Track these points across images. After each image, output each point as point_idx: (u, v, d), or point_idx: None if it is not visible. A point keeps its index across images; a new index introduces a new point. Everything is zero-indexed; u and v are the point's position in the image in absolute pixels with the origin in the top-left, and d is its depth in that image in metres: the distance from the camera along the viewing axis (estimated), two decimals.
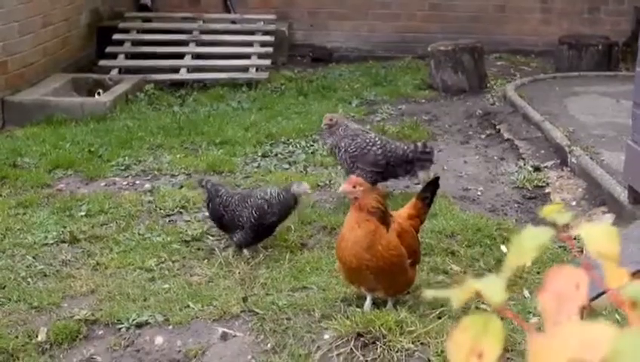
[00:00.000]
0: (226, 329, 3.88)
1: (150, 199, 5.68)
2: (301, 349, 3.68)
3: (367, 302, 3.99)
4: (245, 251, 4.74)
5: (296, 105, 8.41)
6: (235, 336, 3.84)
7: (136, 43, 9.87)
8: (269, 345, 3.74)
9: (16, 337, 3.85)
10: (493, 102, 8.54)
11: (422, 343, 3.60)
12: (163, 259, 4.69)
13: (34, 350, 3.79)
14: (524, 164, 6.46)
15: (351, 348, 3.61)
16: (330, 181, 6.00)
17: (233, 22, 10.58)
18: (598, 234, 0.93)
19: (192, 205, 5.52)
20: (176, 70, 9.40)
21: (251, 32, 10.22)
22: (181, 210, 5.48)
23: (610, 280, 0.91)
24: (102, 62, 9.44)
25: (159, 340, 3.84)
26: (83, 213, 5.41)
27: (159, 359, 3.75)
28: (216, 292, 4.23)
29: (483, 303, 3.64)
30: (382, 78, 9.63)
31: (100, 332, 3.93)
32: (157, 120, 7.75)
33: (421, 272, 4.30)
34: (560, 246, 4.68)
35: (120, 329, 3.92)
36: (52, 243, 4.93)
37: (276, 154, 6.77)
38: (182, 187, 5.95)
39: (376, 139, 5.70)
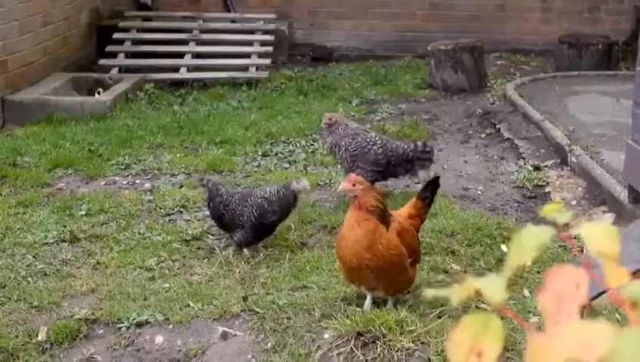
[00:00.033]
0: (226, 329, 3.88)
1: (150, 198, 5.68)
2: (301, 348, 3.68)
3: (367, 302, 3.99)
4: (245, 250, 4.74)
5: (296, 105, 8.41)
6: (235, 335, 3.84)
7: (136, 42, 9.87)
8: (269, 345, 3.74)
9: (17, 336, 3.85)
10: (493, 102, 8.54)
11: (422, 342, 3.60)
12: (163, 259, 4.69)
13: (34, 349, 3.79)
14: (524, 164, 6.46)
15: (351, 348, 3.61)
16: (330, 180, 6.00)
17: (233, 21, 10.58)
18: (599, 233, 0.93)
19: (192, 204, 5.52)
20: (176, 69, 9.40)
21: (251, 32, 10.22)
22: (181, 209, 5.48)
23: (610, 280, 0.91)
24: (102, 62, 9.44)
25: (159, 339, 3.84)
26: (83, 212, 5.41)
27: (159, 358, 3.75)
28: (216, 291, 4.23)
29: (483, 302, 3.64)
30: (382, 78, 9.63)
31: (100, 332, 3.93)
32: (157, 119, 7.75)
33: (421, 271, 4.30)
34: (560, 246, 4.68)
35: (120, 328, 3.92)
36: (52, 243, 4.93)
37: (276, 154, 6.77)
38: (182, 186, 5.95)
39: (377, 138, 5.70)
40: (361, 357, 3.57)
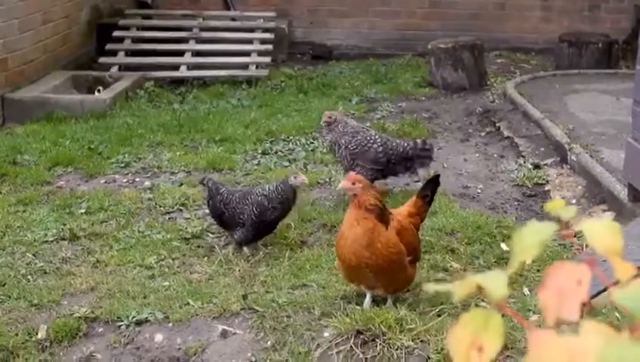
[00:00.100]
0: (225, 327, 3.88)
1: (150, 196, 5.68)
2: (301, 347, 3.68)
3: (367, 300, 3.99)
4: (245, 249, 4.74)
5: (296, 103, 8.41)
6: (234, 334, 3.84)
7: (136, 40, 9.87)
8: (268, 343, 3.74)
9: (16, 334, 3.85)
10: (493, 100, 8.54)
11: (422, 341, 3.60)
12: (163, 257, 4.69)
13: (34, 347, 3.79)
14: (524, 162, 6.46)
15: (351, 346, 3.61)
16: (330, 178, 6.00)
17: (233, 19, 10.58)
18: (601, 229, 0.93)
19: (191, 202, 5.52)
20: (176, 67, 9.39)
21: (251, 30, 10.22)
22: (181, 208, 5.48)
23: (618, 274, 0.91)
24: (102, 60, 9.44)
25: (159, 337, 3.84)
26: (83, 211, 5.41)
27: (159, 356, 3.75)
28: (216, 289, 4.23)
29: (483, 301, 3.64)
30: (382, 76, 9.63)
31: (100, 330, 3.93)
32: (157, 117, 7.75)
33: (421, 270, 4.30)
34: (560, 244, 4.68)
35: (120, 326, 3.92)
36: (52, 241, 4.93)
37: (276, 152, 6.77)
38: (182, 184, 5.95)
39: (377, 136, 5.70)
40: (361, 356, 3.57)
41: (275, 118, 7.74)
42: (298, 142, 6.97)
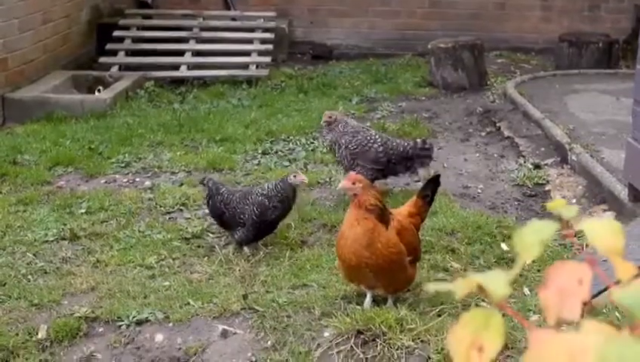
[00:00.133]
0: (226, 327, 3.88)
1: (150, 196, 5.68)
2: (301, 347, 3.68)
3: (367, 300, 3.99)
4: (245, 248, 4.74)
5: (296, 103, 8.41)
6: (235, 334, 3.84)
7: (136, 40, 9.87)
8: (269, 343, 3.74)
9: (17, 334, 3.85)
10: (494, 100, 8.54)
11: (422, 341, 3.60)
12: (163, 257, 4.69)
13: (34, 347, 3.79)
14: (525, 162, 6.46)
15: (351, 346, 3.61)
16: (330, 178, 6.00)
17: (233, 19, 10.58)
18: (602, 229, 0.93)
19: (192, 202, 5.52)
20: (176, 67, 9.39)
21: (251, 30, 10.22)
22: (181, 208, 5.48)
23: (619, 274, 0.91)
24: (102, 59, 9.44)
25: (159, 337, 3.84)
26: (83, 211, 5.41)
27: (159, 356, 3.75)
28: (216, 289, 4.23)
29: (483, 301, 3.64)
30: (382, 76, 9.63)
31: (100, 330, 3.93)
32: (157, 117, 7.75)
33: (421, 270, 4.30)
34: (560, 244, 4.69)
35: (120, 326, 3.92)
36: (52, 241, 4.93)
37: (276, 152, 6.77)
38: (182, 184, 5.95)
39: (377, 136, 5.70)
40: (361, 356, 3.57)
41: (275, 117, 7.74)
42: (298, 142, 6.97)
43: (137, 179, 6.13)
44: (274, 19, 10.50)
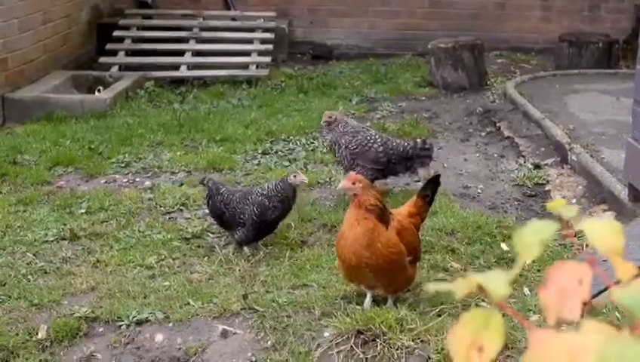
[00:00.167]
0: (226, 327, 3.88)
1: (150, 196, 5.68)
2: (301, 346, 3.68)
3: (367, 300, 3.99)
4: (245, 248, 4.74)
5: (296, 103, 8.41)
6: (235, 334, 3.84)
7: (136, 40, 9.87)
8: (269, 343, 3.74)
9: (17, 334, 3.85)
10: (494, 100, 8.54)
11: (422, 341, 3.60)
12: (163, 257, 4.69)
13: (34, 347, 3.79)
14: (525, 162, 6.46)
15: (351, 346, 3.61)
16: (330, 178, 6.00)
17: (233, 19, 10.58)
18: (602, 229, 0.93)
19: (192, 202, 5.52)
20: (176, 67, 9.40)
21: (251, 30, 10.22)
22: (181, 208, 5.48)
23: (619, 274, 0.91)
24: (102, 59, 9.44)
25: (159, 337, 3.84)
26: (83, 211, 5.41)
27: (159, 356, 3.75)
28: (216, 289, 4.23)
29: (483, 301, 3.64)
30: (382, 76, 9.63)
31: (100, 330, 3.93)
32: (157, 117, 7.75)
33: (421, 270, 4.30)
34: (560, 244, 4.69)
35: (120, 326, 3.92)
36: (52, 241, 4.93)
37: (276, 152, 6.77)
38: (182, 184, 5.95)
39: (377, 136, 5.70)
40: (361, 356, 3.57)
41: (275, 117, 7.74)
42: (298, 142, 6.97)
43: (137, 179, 6.13)
44: (274, 19, 10.50)
